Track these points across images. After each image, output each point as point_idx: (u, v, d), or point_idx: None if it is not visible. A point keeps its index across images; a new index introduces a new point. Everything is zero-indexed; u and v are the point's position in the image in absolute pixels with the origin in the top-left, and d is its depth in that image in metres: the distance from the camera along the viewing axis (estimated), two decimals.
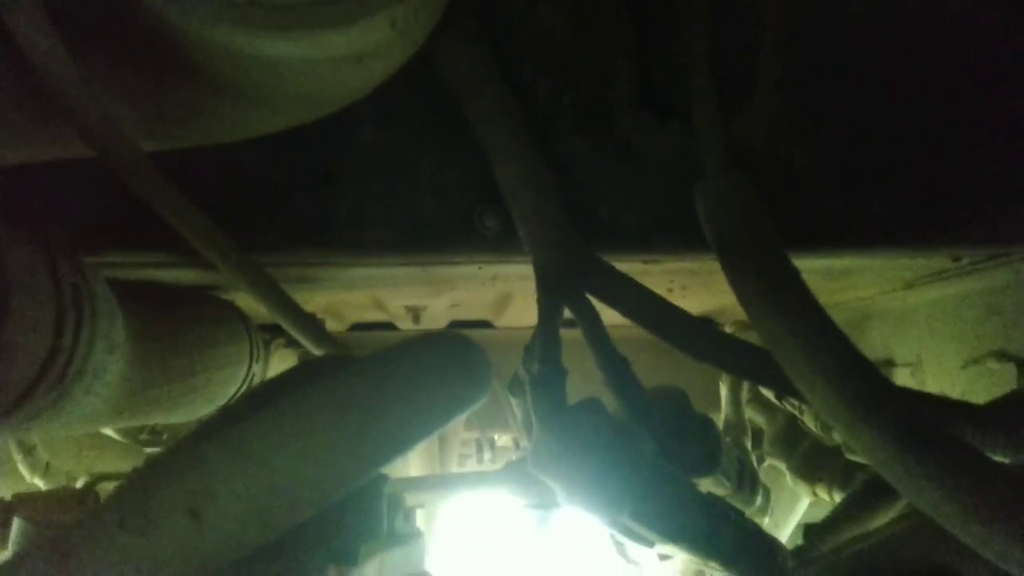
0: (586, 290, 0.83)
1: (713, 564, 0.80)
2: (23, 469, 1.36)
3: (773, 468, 1.34)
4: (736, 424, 1.33)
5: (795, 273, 0.74)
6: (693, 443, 0.84)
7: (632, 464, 0.76)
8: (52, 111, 0.59)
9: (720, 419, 1.37)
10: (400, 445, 0.48)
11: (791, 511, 1.48)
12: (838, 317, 0.71)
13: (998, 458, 0.72)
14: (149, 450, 1.24)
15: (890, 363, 1.27)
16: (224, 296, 1.07)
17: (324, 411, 0.46)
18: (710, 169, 0.80)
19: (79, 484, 1.24)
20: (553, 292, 0.83)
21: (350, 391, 0.47)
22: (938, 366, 1.14)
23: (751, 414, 1.36)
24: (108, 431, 1.17)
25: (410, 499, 0.96)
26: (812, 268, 0.89)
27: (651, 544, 0.82)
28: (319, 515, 0.51)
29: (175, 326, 0.91)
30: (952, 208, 0.84)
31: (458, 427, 1.47)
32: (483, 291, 1.24)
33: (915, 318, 1.20)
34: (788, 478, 1.29)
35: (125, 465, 1.29)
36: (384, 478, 0.65)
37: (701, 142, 0.81)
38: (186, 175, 0.74)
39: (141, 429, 1.19)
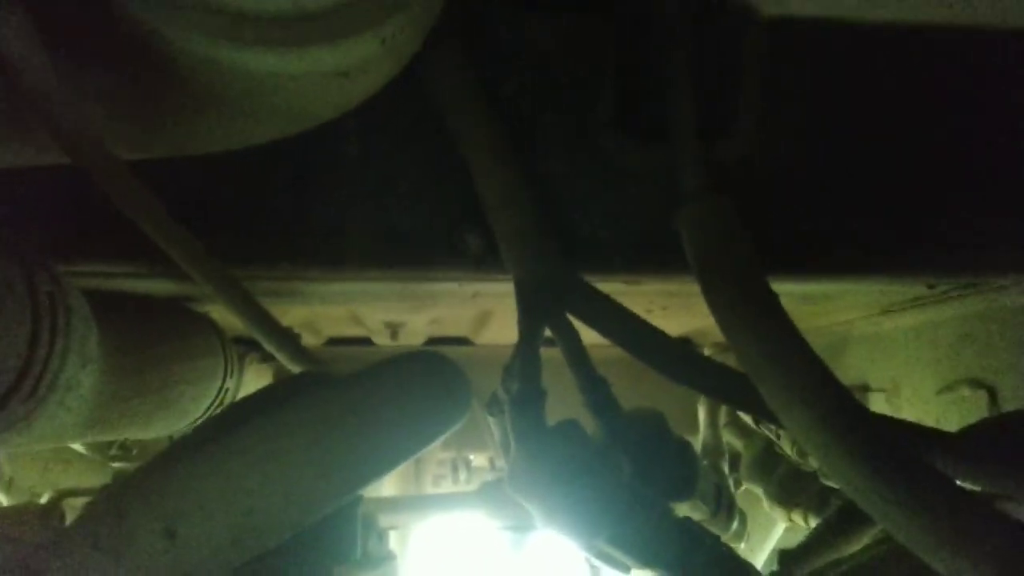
0: (567, 310, 0.83)
1: None
2: None
3: (749, 492, 1.34)
4: (714, 448, 1.33)
5: (774, 298, 0.75)
6: (671, 467, 0.84)
7: (609, 488, 0.76)
8: (27, 115, 0.58)
9: (698, 442, 1.37)
10: (379, 468, 0.48)
11: (767, 536, 1.48)
12: (816, 342, 0.71)
13: (968, 485, 0.72)
14: (117, 465, 1.21)
15: (866, 388, 1.28)
16: (198, 308, 1.05)
17: (301, 432, 0.45)
18: (689, 191, 0.80)
19: (44, 500, 1.21)
20: (534, 311, 0.82)
21: (329, 412, 0.46)
22: (913, 392, 1.16)
23: (729, 438, 1.36)
24: (76, 446, 1.14)
25: (384, 520, 0.95)
26: (790, 292, 0.89)
27: (627, 569, 0.81)
28: (293, 536, 0.50)
29: (149, 339, 0.90)
30: (929, 236, 0.86)
31: (434, 447, 1.46)
32: (463, 308, 1.24)
33: (891, 344, 1.21)
34: (764, 503, 1.30)
35: (92, 481, 1.26)
36: (359, 499, 0.64)
37: (680, 163, 0.82)
38: (163, 184, 0.73)
39: (110, 444, 1.17)
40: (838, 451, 0.63)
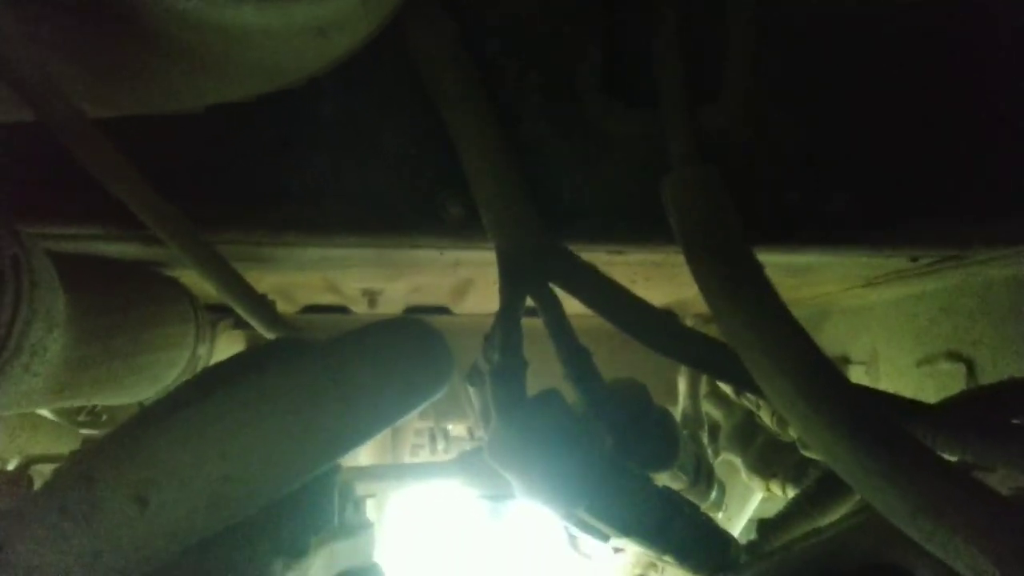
0: (550, 279, 0.82)
1: (667, 558, 0.80)
2: None
3: (728, 463, 1.35)
4: (693, 418, 1.34)
5: (758, 268, 0.74)
6: (651, 437, 0.84)
7: (589, 458, 0.76)
8: None
9: (678, 412, 1.38)
10: (358, 436, 0.46)
11: (745, 505, 1.49)
12: (798, 313, 0.71)
13: (946, 456, 0.73)
14: (86, 431, 1.19)
15: (846, 360, 1.29)
16: (170, 273, 1.02)
17: (279, 399, 0.44)
18: (676, 160, 0.79)
19: (11, 466, 1.19)
20: (516, 280, 0.81)
21: (307, 379, 0.45)
22: (892, 364, 1.16)
23: (708, 408, 1.37)
24: (44, 411, 1.12)
25: (361, 489, 0.94)
26: (774, 263, 0.89)
27: (605, 538, 0.81)
28: (269, 505, 0.49)
29: (119, 303, 0.87)
30: (912, 209, 0.85)
31: (413, 415, 1.45)
32: (443, 276, 1.22)
33: (872, 316, 1.22)
34: (743, 473, 1.31)
35: (60, 447, 1.24)
36: (337, 468, 0.63)
37: (668, 131, 0.80)
38: (135, 144, 0.71)
39: (79, 410, 1.14)
40: (818, 421, 0.63)
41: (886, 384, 1.18)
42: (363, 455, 1.45)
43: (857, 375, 1.24)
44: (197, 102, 0.69)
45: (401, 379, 0.49)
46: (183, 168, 0.78)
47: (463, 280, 1.28)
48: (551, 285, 0.82)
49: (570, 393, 0.82)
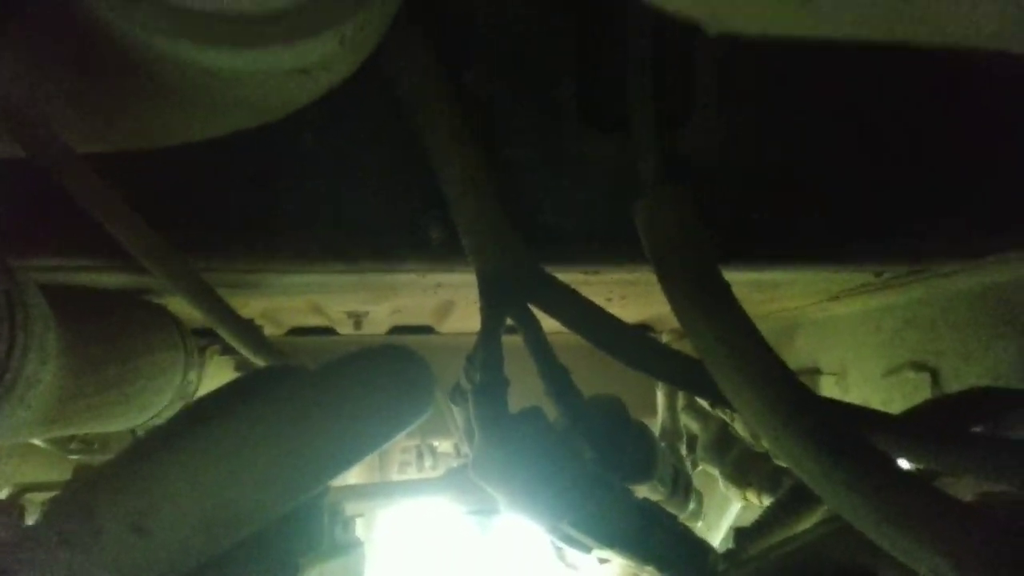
0: (528, 300, 0.85)
1: (648, 568, 0.83)
2: None
3: (706, 473, 1.38)
4: (671, 431, 1.37)
5: (726, 287, 0.77)
6: (630, 451, 0.87)
7: (571, 472, 0.78)
8: None
9: (656, 426, 1.41)
10: (344, 462, 0.49)
11: (723, 515, 1.52)
12: (767, 327, 0.74)
13: (910, 464, 0.76)
14: (76, 458, 1.20)
15: (816, 371, 1.32)
16: (157, 301, 1.04)
17: (269, 427, 0.46)
18: (646, 182, 0.82)
19: (3, 495, 1.19)
20: (496, 302, 0.84)
21: (295, 407, 0.47)
22: (861, 375, 1.20)
23: (686, 421, 1.40)
24: (34, 440, 1.13)
25: (350, 508, 0.96)
26: (741, 280, 0.92)
27: (588, 550, 0.84)
28: (260, 528, 0.51)
29: (108, 333, 0.89)
30: (875, 225, 0.89)
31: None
32: (426, 298, 1.25)
33: (839, 329, 1.26)
34: (720, 483, 1.34)
35: (51, 475, 1.24)
36: (325, 490, 0.65)
37: (639, 154, 0.84)
38: (120, 176, 0.73)
39: (71, 438, 1.15)
40: (785, 433, 0.66)
41: (856, 393, 1.22)
42: (352, 474, 1.46)
43: (828, 385, 1.28)
44: (185, 138, 0.72)
45: (386, 405, 0.52)
46: (168, 198, 0.81)
47: (445, 301, 1.31)
48: (530, 305, 0.85)
49: (551, 410, 0.85)
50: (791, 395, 0.68)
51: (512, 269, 0.83)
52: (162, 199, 0.80)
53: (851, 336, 1.22)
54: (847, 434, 0.66)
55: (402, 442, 1.56)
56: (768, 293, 1.16)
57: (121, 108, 0.67)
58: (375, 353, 0.55)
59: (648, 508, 0.84)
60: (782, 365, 0.70)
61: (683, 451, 1.35)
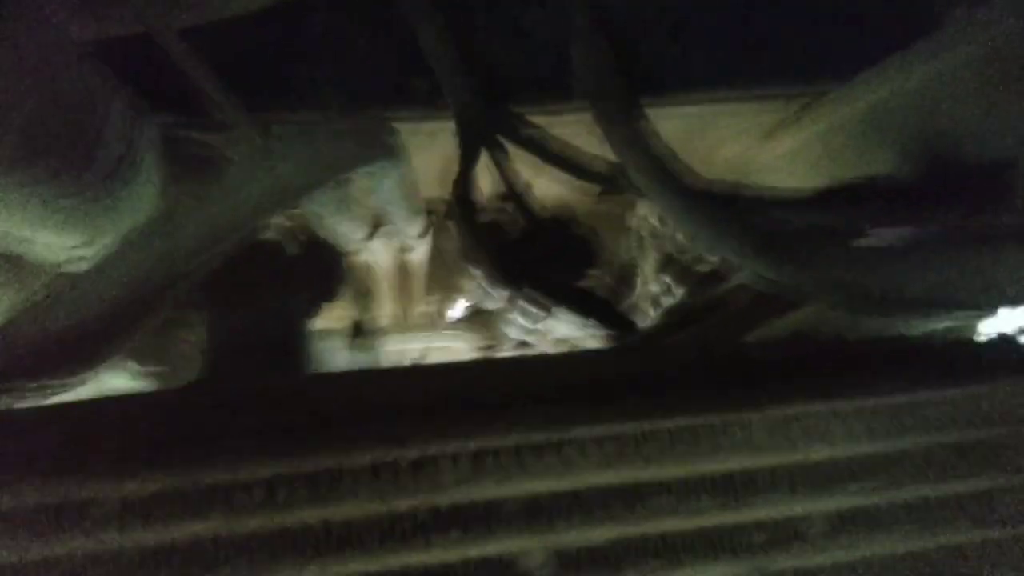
0: (498, 134, 1.11)
1: (590, 323, 1.10)
2: None
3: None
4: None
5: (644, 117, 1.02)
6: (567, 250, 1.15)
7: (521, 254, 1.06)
8: None
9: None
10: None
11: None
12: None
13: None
14: None
15: None
16: None
17: None
18: (577, 30, 1.06)
19: None
20: (469, 135, 1.10)
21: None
22: None
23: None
24: None
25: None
26: (675, 116, 1.16)
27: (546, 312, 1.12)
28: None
29: None
30: (775, 54, 1.11)
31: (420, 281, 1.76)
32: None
33: (781, 168, 1.46)
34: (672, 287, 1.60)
35: None
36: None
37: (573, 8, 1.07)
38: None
39: None
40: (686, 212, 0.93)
41: None
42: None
43: None
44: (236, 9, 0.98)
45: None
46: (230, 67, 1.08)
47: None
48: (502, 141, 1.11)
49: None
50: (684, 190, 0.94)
51: (482, 109, 1.09)
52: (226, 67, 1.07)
53: (790, 174, 1.42)
54: (715, 201, 0.92)
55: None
56: (708, 137, 1.37)
57: None
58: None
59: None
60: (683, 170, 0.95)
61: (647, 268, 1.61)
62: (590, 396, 0.64)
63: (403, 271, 1.71)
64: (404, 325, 1.70)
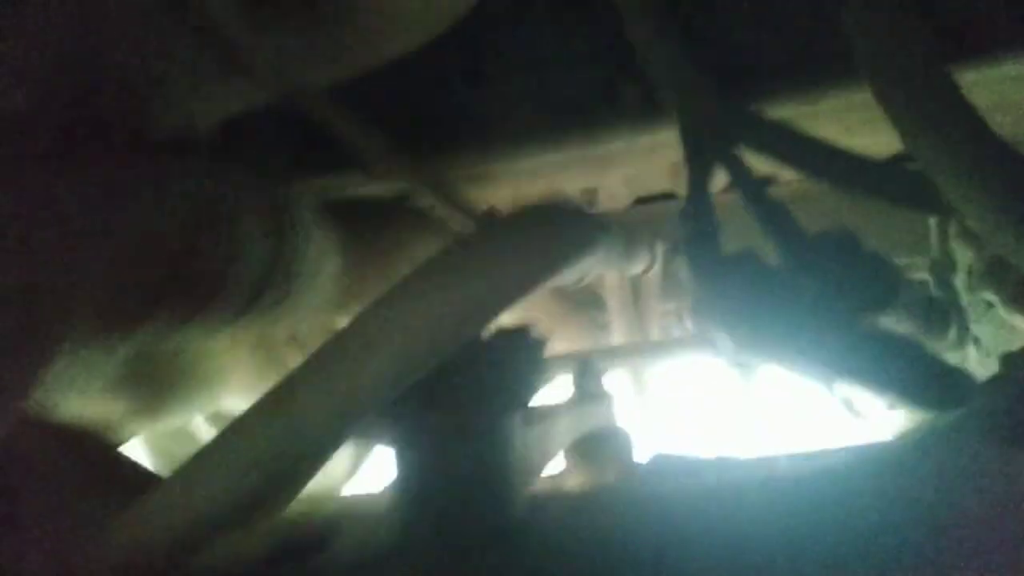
0: (736, 143, 0.84)
1: (890, 396, 0.80)
2: None
3: (985, 301, 1.24)
4: (941, 261, 1.25)
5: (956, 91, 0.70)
6: (861, 282, 0.83)
7: (791, 307, 0.78)
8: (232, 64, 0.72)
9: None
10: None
11: (1009, 343, 1.36)
12: None
13: None
14: None
15: None
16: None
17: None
18: None
19: None
20: (700, 149, 0.84)
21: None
22: None
23: (958, 249, 1.26)
24: None
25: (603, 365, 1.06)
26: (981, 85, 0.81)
27: (828, 383, 0.84)
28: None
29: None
30: None
31: (655, 297, 1.53)
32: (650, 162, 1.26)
33: None
34: (1000, 310, 1.19)
35: None
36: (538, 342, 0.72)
37: None
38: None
39: None
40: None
41: None
42: (615, 333, 1.55)
43: None
44: (390, 54, 0.82)
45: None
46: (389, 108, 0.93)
47: (674, 162, 1.30)
48: (741, 149, 0.84)
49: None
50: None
51: (712, 112, 0.83)
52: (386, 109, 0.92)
53: None
54: None
55: (659, 307, 1.61)
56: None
57: (340, 41, 0.79)
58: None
59: (886, 338, 0.80)
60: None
61: (957, 281, 1.22)
62: None
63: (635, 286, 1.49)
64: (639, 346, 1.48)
